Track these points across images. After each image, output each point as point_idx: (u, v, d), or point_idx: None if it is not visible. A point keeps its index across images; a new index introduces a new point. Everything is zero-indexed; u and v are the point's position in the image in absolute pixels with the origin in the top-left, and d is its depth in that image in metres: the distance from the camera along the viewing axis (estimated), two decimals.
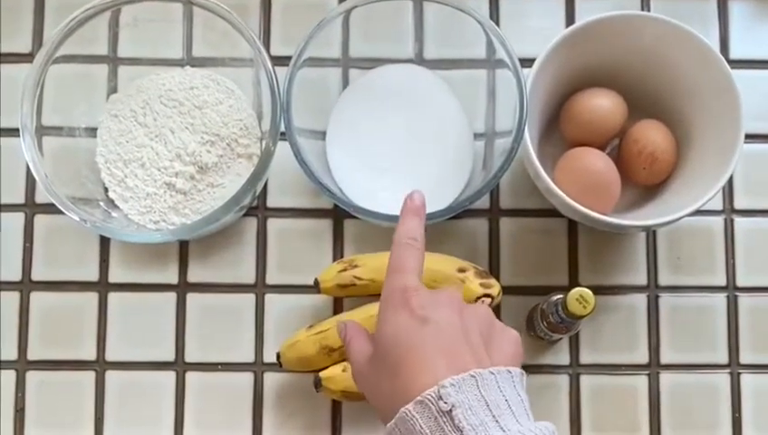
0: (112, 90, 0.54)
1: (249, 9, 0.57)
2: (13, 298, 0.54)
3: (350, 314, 0.51)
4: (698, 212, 0.48)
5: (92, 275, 0.54)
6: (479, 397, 0.33)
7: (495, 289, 0.50)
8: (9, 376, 0.53)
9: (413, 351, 0.35)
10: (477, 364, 0.35)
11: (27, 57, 0.56)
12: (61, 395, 0.53)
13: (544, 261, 0.55)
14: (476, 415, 0.33)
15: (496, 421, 0.33)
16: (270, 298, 0.54)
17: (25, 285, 0.54)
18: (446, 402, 0.33)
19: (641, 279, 0.55)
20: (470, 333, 0.36)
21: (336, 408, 0.53)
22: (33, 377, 0.54)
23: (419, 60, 0.55)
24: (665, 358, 0.54)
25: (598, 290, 0.47)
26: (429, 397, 0.33)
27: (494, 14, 0.57)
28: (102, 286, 0.54)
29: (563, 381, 0.54)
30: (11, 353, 0.54)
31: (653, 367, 0.54)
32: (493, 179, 0.48)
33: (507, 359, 0.37)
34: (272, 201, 0.55)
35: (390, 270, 0.39)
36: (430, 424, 0.33)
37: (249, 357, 0.54)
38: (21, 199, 0.55)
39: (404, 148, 0.53)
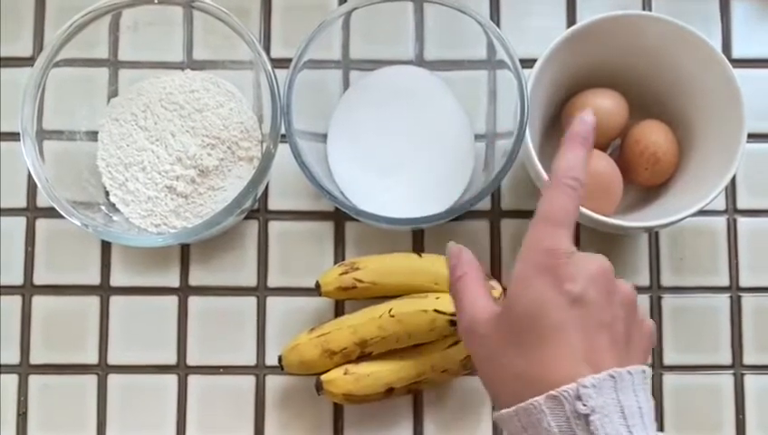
0: (113, 93, 0.54)
1: (249, 12, 0.56)
2: (15, 302, 0.54)
3: (352, 316, 0.51)
4: (701, 212, 0.48)
5: (94, 278, 0.54)
6: (616, 402, 0.30)
7: (497, 291, 0.49)
8: (11, 380, 0.54)
9: (556, 333, 0.31)
10: (617, 361, 0.31)
11: (28, 61, 0.56)
12: (63, 399, 0.53)
13: None
14: (612, 423, 0.30)
15: (630, 432, 0.30)
16: (271, 301, 0.54)
17: (27, 290, 0.54)
18: (584, 405, 0.29)
19: (644, 280, 0.55)
20: (615, 322, 0.32)
21: (338, 411, 0.53)
22: (35, 381, 0.54)
23: (420, 61, 0.55)
24: (668, 359, 0.54)
25: None
26: (566, 394, 0.30)
27: (495, 14, 0.57)
28: (104, 290, 0.54)
29: None
30: (13, 357, 0.54)
31: (656, 368, 0.54)
32: (494, 181, 0.48)
33: (642, 354, 0.34)
34: (273, 204, 0.55)
35: (540, 216, 0.33)
36: (560, 424, 0.30)
37: (251, 360, 0.54)
38: (22, 203, 0.55)
39: (405, 149, 0.53)
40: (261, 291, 0.54)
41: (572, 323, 0.31)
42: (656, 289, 0.55)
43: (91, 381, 0.54)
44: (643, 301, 0.54)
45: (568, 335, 0.31)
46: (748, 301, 0.55)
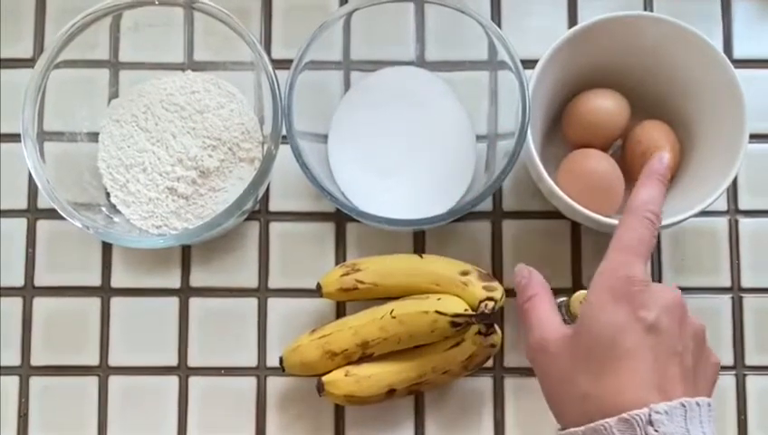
0: (114, 94, 0.54)
1: (250, 13, 0.56)
2: (16, 304, 0.54)
3: (354, 318, 0.51)
4: (702, 213, 0.48)
5: (95, 280, 0.54)
6: (684, 431, 0.31)
7: (499, 292, 0.49)
8: (12, 382, 0.54)
9: (629, 358, 0.32)
10: (686, 391, 0.32)
11: (28, 62, 0.56)
12: (64, 400, 0.53)
13: (547, 263, 0.54)
14: None
15: None
16: (272, 302, 0.54)
17: (28, 291, 0.54)
18: (656, 430, 0.30)
19: None
20: (686, 352, 0.33)
21: (339, 412, 0.53)
22: (36, 383, 0.54)
23: (421, 62, 0.55)
24: None
25: None
26: (638, 418, 0.30)
27: (496, 15, 0.57)
28: (105, 291, 0.54)
29: None
30: (14, 359, 0.54)
31: None
32: (495, 182, 0.48)
33: (709, 387, 0.34)
34: (274, 205, 0.55)
35: (617, 245, 0.34)
36: None
37: (252, 361, 0.54)
38: (23, 205, 0.55)
39: (406, 150, 0.53)
40: (262, 292, 0.54)
41: (646, 349, 0.32)
42: None
43: (91, 382, 0.54)
44: None
45: (641, 361, 0.32)
46: (750, 302, 0.54)
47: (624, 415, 0.30)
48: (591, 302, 0.34)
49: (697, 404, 0.32)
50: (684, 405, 0.31)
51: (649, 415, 0.30)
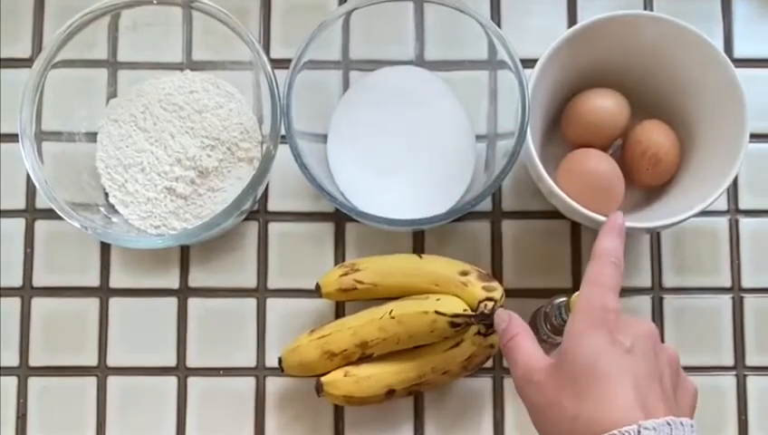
0: (112, 94, 0.54)
1: (249, 12, 0.56)
2: (14, 304, 0.54)
3: (353, 318, 0.50)
4: (703, 213, 0.48)
5: (93, 280, 0.54)
6: None
7: (498, 292, 0.49)
8: (11, 382, 0.53)
9: (610, 379, 0.34)
10: (669, 411, 0.34)
11: (26, 62, 0.56)
12: (62, 401, 0.53)
13: (547, 263, 0.54)
14: None
15: None
16: (271, 303, 0.54)
17: (26, 291, 0.54)
18: None
19: (645, 281, 0.54)
20: (663, 375, 0.35)
21: (338, 413, 0.53)
22: (34, 383, 0.53)
23: (420, 61, 0.55)
24: None
25: None
26: (628, 434, 0.32)
27: (495, 14, 0.57)
28: (103, 292, 0.54)
29: None
30: (12, 360, 0.54)
31: None
32: (495, 182, 0.47)
33: (689, 412, 0.36)
34: (272, 205, 0.55)
35: (590, 281, 0.38)
36: None
37: (251, 362, 0.54)
38: (21, 205, 0.55)
39: (405, 150, 0.53)
40: (261, 292, 0.54)
41: (626, 370, 0.34)
42: (657, 290, 0.54)
43: (90, 383, 0.53)
44: (645, 302, 0.54)
45: (623, 380, 0.34)
46: (750, 302, 0.54)
47: (615, 431, 0.32)
48: (571, 331, 0.37)
49: (682, 423, 0.33)
50: (669, 424, 0.33)
51: (638, 431, 0.32)
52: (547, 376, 0.36)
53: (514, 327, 0.40)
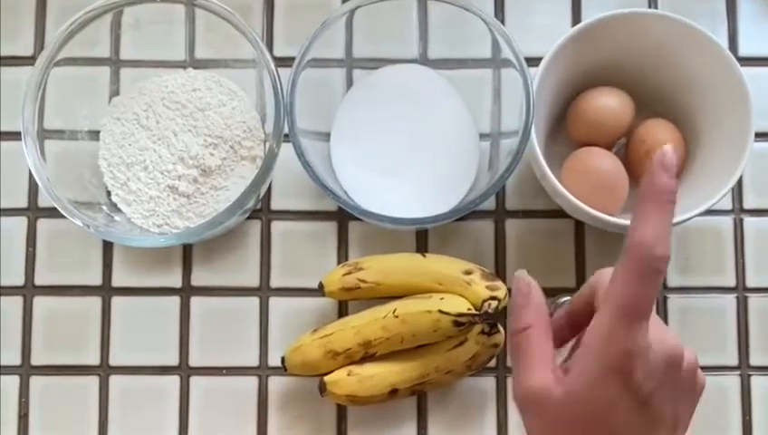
0: (114, 92, 0.54)
1: (252, 10, 0.56)
2: (16, 303, 0.54)
3: (356, 317, 0.50)
4: (707, 212, 0.48)
5: (96, 279, 0.54)
6: None
7: (502, 291, 0.49)
8: (13, 381, 0.53)
9: None
10: None
11: (29, 60, 0.55)
12: (64, 400, 0.53)
13: (551, 263, 0.54)
14: None
15: None
16: (274, 302, 0.54)
17: (28, 290, 0.54)
18: None
19: None
20: (678, 423, 0.31)
21: (341, 412, 0.53)
22: (36, 382, 0.53)
23: (424, 60, 0.55)
24: None
25: None
26: None
27: (499, 12, 0.57)
28: (106, 291, 0.54)
29: None
30: (14, 359, 0.53)
31: None
32: (499, 180, 0.47)
33: (688, 421, 0.33)
34: (275, 204, 0.55)
35: (618, 305, 0.29)
36: None
37: (253, 361, 0.53)
38: (23, 203, 0.55)
39: (409, 149, 0.53)
40: (263, 291, 0.54)
41: (636, 427, 0.30)
42: (661, 289, 0.54)
43: (92, 382, 0.53)
44: None
45: None
46: (755, 301, 0.54)
47: None
48: (582, 371, 0.31)
49: None
50: None
51: None
52: (548, 405, 0.31)
53: (531, 313, 0.33)
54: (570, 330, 0.36)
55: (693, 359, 0.33)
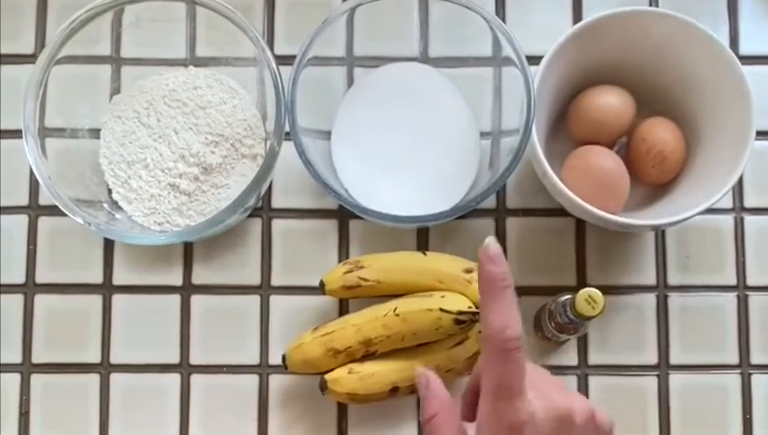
0: (115, 90, 0.54)
1: (253, 8, 0.56)
2: (17, 301, 0.54)
3: (357, 315, 0.50)
4: (708, 211, 0.48)
5: (97, 277, 0.54)
6: None
7: None
8: (14, 379, 0.53)
9: None
10: None
11: (30, 58, 0.56)
12: (65, 398, 0.53)
13: (552, 261, 0.54)
14: None
15: None
16: (275, 300, 0.54)
17: (29, 288, 0.54)
18: None
19: (650, 279, 0.54)
20: None
21: (342, 410, 0.53)
22: (37, 380, 0.53)
23: (424, 58, 0.55)
24: (674, 359, 0.54)
25: (606, 290, 0.47)
26: None
27: (500, 10, 0.57)
28: (107, 289, 0.54)
29: (572, 382, 0.53)
30: (15, 357, 0.53)
31: (662, 368, 0.53)
32: (500, 179, 0.47)
33: None
34: (276, 202, 0.55)
35: (491, 393, 0.32)
36: None
37: (254, 359, 0.53)
38: (24, 201, 0.55)
39: (410, 147, 0.53)
40: (264, 289, 0.54)
41: None
42: (662, 288, 0.54)
43: (93, 380, 0.53)
44: (649, 300, 0.54)
45: None
46: (755, 300, 0.54)
47: None
48: None
49: None
50: None
51: None
52: None
53: (434, 404, 0.35)
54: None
55: (585, 408, 0.34)
